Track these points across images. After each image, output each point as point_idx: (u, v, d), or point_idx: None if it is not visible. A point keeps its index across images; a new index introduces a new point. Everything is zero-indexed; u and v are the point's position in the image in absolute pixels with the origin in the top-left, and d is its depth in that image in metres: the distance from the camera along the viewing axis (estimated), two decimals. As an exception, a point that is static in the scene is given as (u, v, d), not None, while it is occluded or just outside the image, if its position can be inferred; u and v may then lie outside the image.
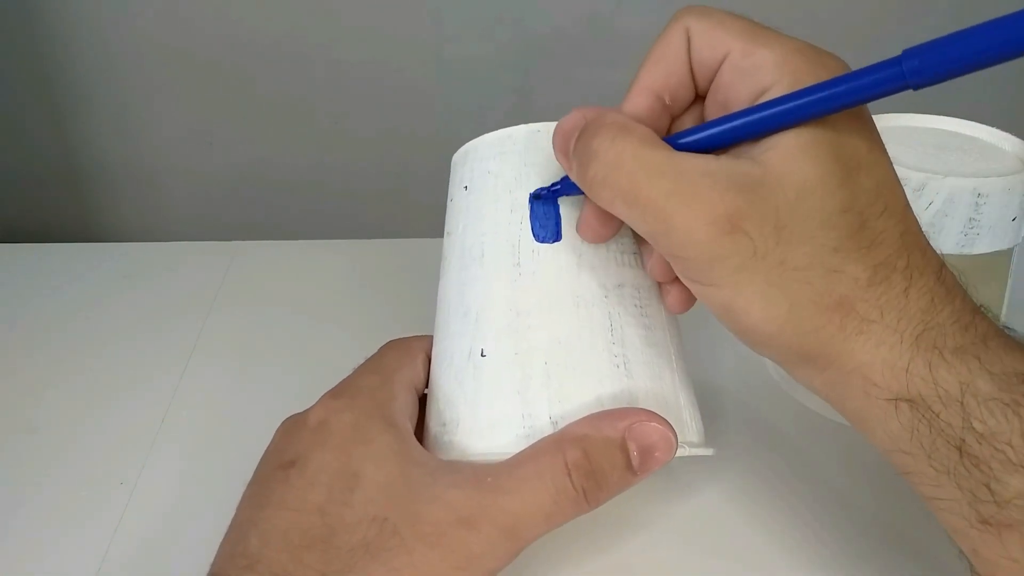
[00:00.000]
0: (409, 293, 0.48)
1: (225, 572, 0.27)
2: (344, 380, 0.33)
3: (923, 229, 0.27)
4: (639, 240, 0.33)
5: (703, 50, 0.28)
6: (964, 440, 0.24)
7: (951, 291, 0.26)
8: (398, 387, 0.32)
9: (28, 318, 0.50)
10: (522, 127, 0.34)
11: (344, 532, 0.27)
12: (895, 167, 0.27)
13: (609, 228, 0.31)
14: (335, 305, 0.51)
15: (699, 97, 0.30)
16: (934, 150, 0.39)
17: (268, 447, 0.32)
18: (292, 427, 0.32)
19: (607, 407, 0.30)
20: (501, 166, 0.33)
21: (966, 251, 0.37)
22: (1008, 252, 0.38)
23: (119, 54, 0.64)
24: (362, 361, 0.35)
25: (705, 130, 0.28)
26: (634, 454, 0.29)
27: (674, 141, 0.28)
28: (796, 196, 0.25)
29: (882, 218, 0.26)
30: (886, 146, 0.27)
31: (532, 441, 0.30)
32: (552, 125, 0.32)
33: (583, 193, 0.30)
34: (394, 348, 0.35)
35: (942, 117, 0.41)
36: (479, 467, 0.29)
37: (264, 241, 0.58)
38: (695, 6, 0.29)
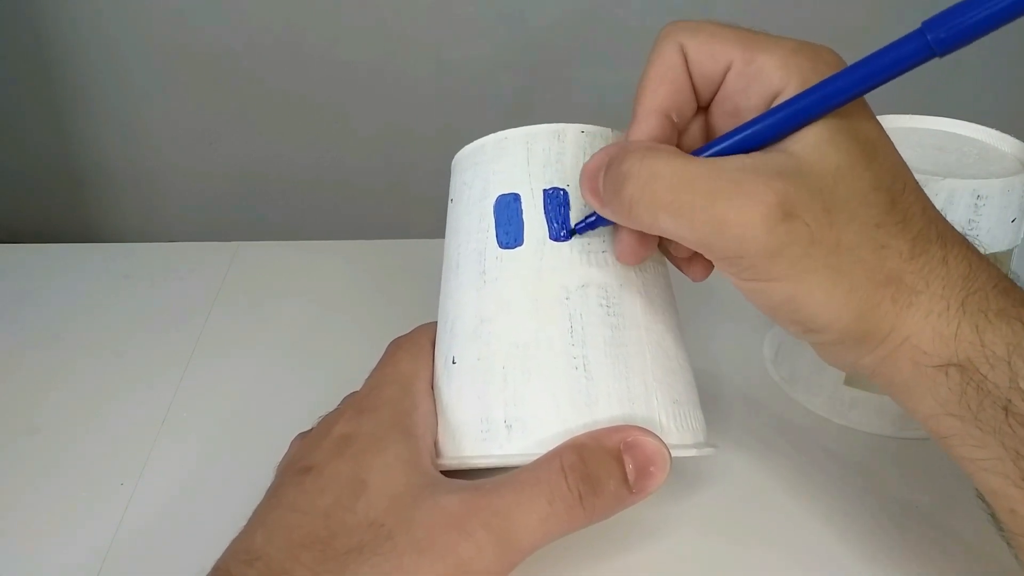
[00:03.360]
0: (410, 294, 0.48)
1: (227, 565, 0.28)
2: (366, 391, 0.34)
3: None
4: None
5: (704, 63, 0.29)
6: (1010, 400, 0.25)
7: (982, 258, 0.27)
8: (419, 396, 0.33)
9: (28, 318, 0.50)
10: (492, 136, 0.34)
11: (344, 536, 0.28)
12: None
13: (648, 247, 0.31)
14: (336, 306, 0.51)
15: (699, 109, 0.31)
16: (933, 151, 0.39)
17: (287, 454, 0.33)
18: (315, 436, 0.32)
19: (564, 409, 0.30)
20: (474, 177, 0.34)
21: (965, 252, 0.37)
22: (1008, 253, 0.38)
23: (120, 54, 0.64)
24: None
25: (734, 136, 0.28)
26: (629, 467, 0.29)
27: (698, 154, 0.28)
28: (833, 180, 0.26)
29: (905, 194, 0.27)
30: None
31: (491, 444, 0.30)
32: (521, 131, 0.33)
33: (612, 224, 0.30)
34: (406, 351, 0.35)
35: (941, 118, 0.41)
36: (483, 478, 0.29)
37: (265, 241, 0.58)
38: (682, 22, 0.29)
